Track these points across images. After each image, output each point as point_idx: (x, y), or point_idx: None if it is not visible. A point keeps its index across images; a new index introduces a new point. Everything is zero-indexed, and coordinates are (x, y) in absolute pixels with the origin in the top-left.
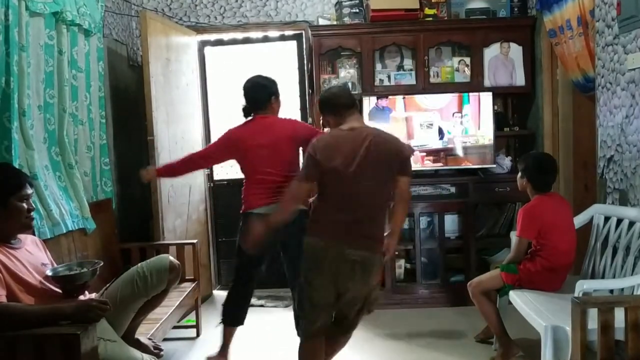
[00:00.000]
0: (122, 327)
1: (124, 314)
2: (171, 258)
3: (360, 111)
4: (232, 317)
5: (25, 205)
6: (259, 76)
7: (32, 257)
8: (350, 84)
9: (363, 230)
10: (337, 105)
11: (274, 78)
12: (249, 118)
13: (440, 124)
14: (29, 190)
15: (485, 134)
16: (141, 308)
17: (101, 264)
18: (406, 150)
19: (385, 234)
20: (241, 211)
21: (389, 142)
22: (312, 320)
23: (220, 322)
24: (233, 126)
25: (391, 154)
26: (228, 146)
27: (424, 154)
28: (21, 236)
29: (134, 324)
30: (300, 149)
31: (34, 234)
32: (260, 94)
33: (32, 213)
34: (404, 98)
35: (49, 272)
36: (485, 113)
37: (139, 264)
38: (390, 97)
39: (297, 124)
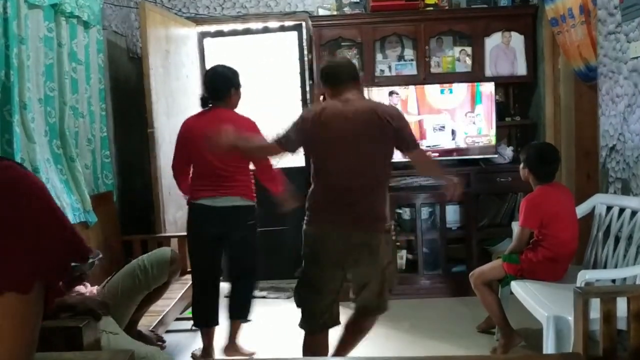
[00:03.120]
0: (124, 320)
1: (125, 306)
2: (172, 250)
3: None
4: (204, 319)
5: None
6: (221, 65)
7: None
8: None
9: (361, 209)
10: (336, 78)
11: (236, 69)
12: (206, 108)
13: (453, 125)
14: None
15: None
16: (143, 300)
17: (100, 256)
18: (397, 119)
19: (386, 212)
20: (186, 202)
21: (377, 112)
22: (316, 314)
23: (192, 327)
24: (187, 118)
25: (378, 126)
26: (184, 139)
27: (437, 154)
28: None
29: (137, 317)
30: None
31: None
32: (220, 84)
33: None
34: (417, 100)
35: None
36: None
37: (140, 257)
38: (402, 96)
39: (253, 125)
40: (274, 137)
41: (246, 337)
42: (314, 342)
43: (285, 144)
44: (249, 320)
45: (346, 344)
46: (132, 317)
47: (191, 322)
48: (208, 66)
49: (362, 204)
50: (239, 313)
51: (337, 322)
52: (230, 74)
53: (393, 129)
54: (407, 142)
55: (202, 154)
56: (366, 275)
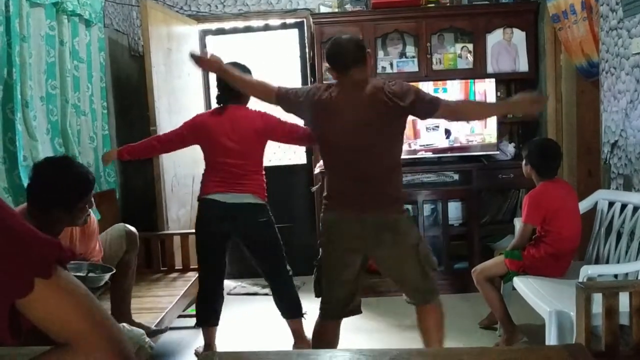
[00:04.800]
0: None
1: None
2: (126, 225)
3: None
4: (207, 317)
5: (87, 207)
6: (236, 63)
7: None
8: None
9: (377, 191)
10: (340, 59)
11: (248, 65)
12: (220, 106)
13: (447, 125)
14: (92, 190)
15: (492, 132)
16: (115, 283)
17: (113, 272)
18: (404, 95)
19: (401, 193)
20: (197, 197)
21: (383, 95)
22: (326, 299)
23: (195, 325)
24: (200, 112)
25: (386, 110)
26: (194, 132)
27: (430, 153)
28: None
29: (121, 306)
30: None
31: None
32: None
33: (89, 210)
34: None
35: None
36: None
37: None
38: None
39: (266, 117)
40: (279, 85)
41: (247, 335)
42: (323, 329)
43: (282, 97)
44: (305, 314)
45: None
46: (119, 309)
47: (193, 318)
48: None
49: (376, 188)
50: (291, 312)
51: (357, 311)
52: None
53: (402, 107)
54: (427, 108)
55: (220, 154)
56: (397, 258)
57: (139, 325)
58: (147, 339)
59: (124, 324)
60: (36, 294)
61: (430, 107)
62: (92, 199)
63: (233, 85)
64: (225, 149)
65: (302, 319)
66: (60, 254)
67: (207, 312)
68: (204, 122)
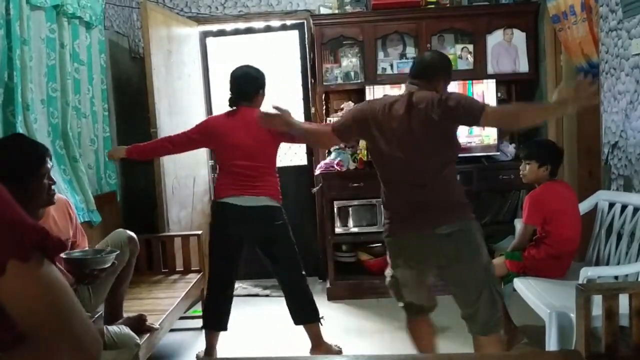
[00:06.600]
0: (96, 308)
1: (97, 296)
2: (125, 230)
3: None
4: (214, 322)
5: (46, 181)
6: (249, 66)
7: (55, 228)
8: (352, 74)
9: (435, 202)
10: (415, 71)
11: (261, 69)
12: (232, 109)
13: None
14: (49, 165)
15: (492, 133)
16: (112, 288)
17: (117, 252)
18: (451, 99)
19: (462, 199)
20: (212, 200)
21: (425, 100)
22: (412, 305)
23: (202, 327)
24: (213, 115)
25: (431, 114)
26: (206, 135)
27: None
28: None
29: (115, 304)
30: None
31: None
32: (249, 85)
33: (53, 187)
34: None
35: (62, 255)
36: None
37: (98, 245)
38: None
39: None
40: (333, 125)
41: (247, 337)
42: (414, 326)
43: (339, 132)
44: (322, 319)
45: None
46: (111, 307)
47: (194, 320)
48: (210, 65)
49: (434, 197)
50: (307, 316)
51: (432, 308)
52: (257, 75)
53: (442, 114)
54: (468, 115)
55: (234, 156)
56: (464, 276)
57: (128, 319)
58: (138, 340)
59: (122, 326)
60: (8, 276)
61: (469, 116)
62: (51, 175)
63: (297, 134)
64: (238, 150)
65: (320, 324)
66: (46, 242)
67: (214, 316)
68: (217, 124)
